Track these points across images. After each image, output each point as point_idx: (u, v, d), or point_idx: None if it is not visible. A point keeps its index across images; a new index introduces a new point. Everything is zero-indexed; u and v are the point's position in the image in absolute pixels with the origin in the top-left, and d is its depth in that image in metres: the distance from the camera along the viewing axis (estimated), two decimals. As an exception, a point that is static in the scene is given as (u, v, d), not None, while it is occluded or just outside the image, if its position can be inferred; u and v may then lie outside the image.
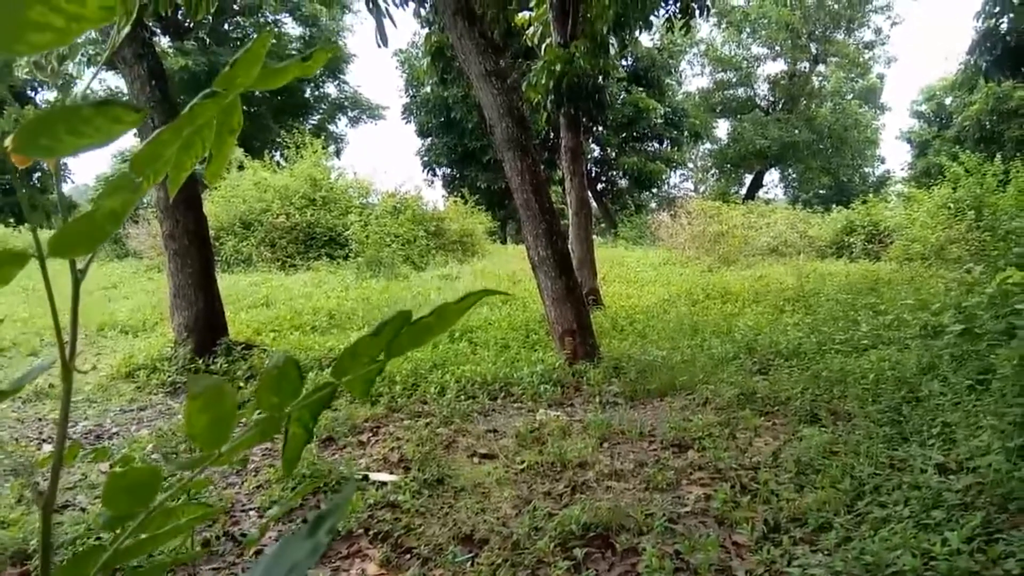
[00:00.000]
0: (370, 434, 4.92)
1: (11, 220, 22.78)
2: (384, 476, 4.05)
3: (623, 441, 4.55)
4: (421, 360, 6.42)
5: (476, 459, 4.35)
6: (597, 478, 3.89)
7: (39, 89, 29.00)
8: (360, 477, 4.05)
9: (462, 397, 5.58)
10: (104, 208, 0.39)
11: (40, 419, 5.54)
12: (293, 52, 30.66)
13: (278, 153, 25.14)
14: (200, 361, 6.40)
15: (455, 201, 20.51)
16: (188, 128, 0.47)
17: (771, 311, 8.63)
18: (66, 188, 32.39)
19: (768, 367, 6.08)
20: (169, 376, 6.28)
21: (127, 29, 0.49)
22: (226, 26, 30.17)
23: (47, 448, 4.96)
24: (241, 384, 6.12)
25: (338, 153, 33.75)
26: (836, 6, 30.87)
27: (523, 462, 4.14)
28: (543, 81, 9.14)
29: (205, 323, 6.56)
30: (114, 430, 5.28)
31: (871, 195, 18.86)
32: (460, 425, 4.94)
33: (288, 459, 0.53)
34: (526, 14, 10.58)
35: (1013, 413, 3.64)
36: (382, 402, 5.46)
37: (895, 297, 8.14)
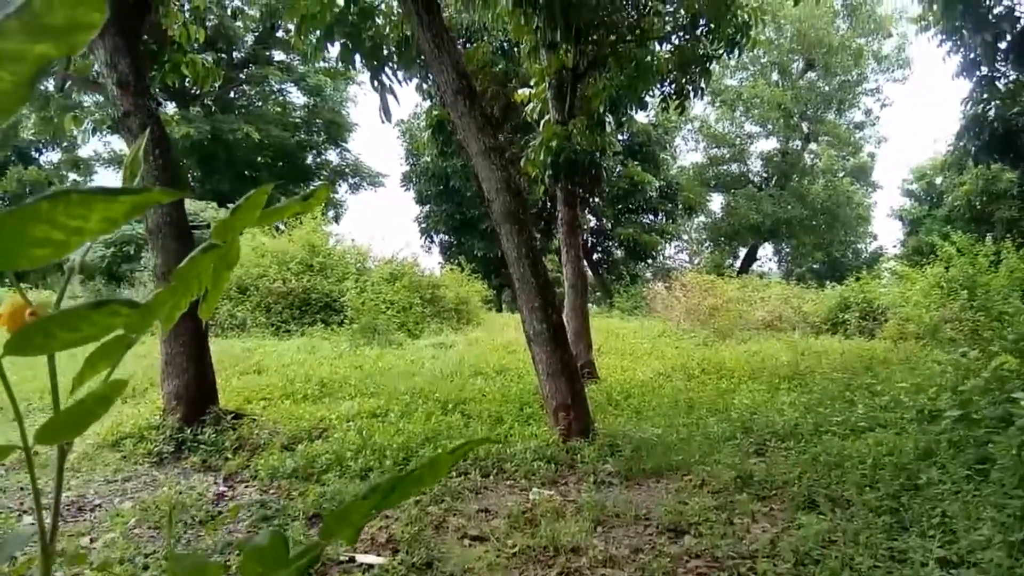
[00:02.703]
0: (358, 512, 4.80)
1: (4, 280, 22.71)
2: (371, 558, 3.93)
3: (618, 524, 4.45)
4: (413, 433, 6.34)
5: (467, 541, 4.24)
6: (591, 565, 3.79)
7: (43, 150, 29.48)
8: (346, 559, 3.93)
9: (453, 474, 5.47)
10: (94, 395, 0.38)
11: (23, 488, 5.41)
12: (297, 120, 31.32)
13: (278, 217, 25.35)
14: (188, 431, 6.29)
15: (452, 268, 20.62)
16: (184, 285, 0.47)
17: (767, 388, 8.58)
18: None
19: (765, 448, 6.01)
20: (156, 446, 6.16)
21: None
22: (232, 94, 30.87)
23: (27, 520, 4.84)
24: (229, 455, 6.02)
25: (337, 218, 34.15)
26: (827, 88, 31.81)
27: (515, 545, 4.04)
28: (541, 157, 9.31)
29: (195, 392, 6.49)
30: (97, 502, 5.15)
31: (864, 271, 19.01)
32: (451, 504, 4.83)
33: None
34: (525, 91, 10.85)
35: (1013, 506, 3.58)
36: (371, 477, 5.36)
37: (891, 377, 8.11)
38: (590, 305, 15.40)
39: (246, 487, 5.46)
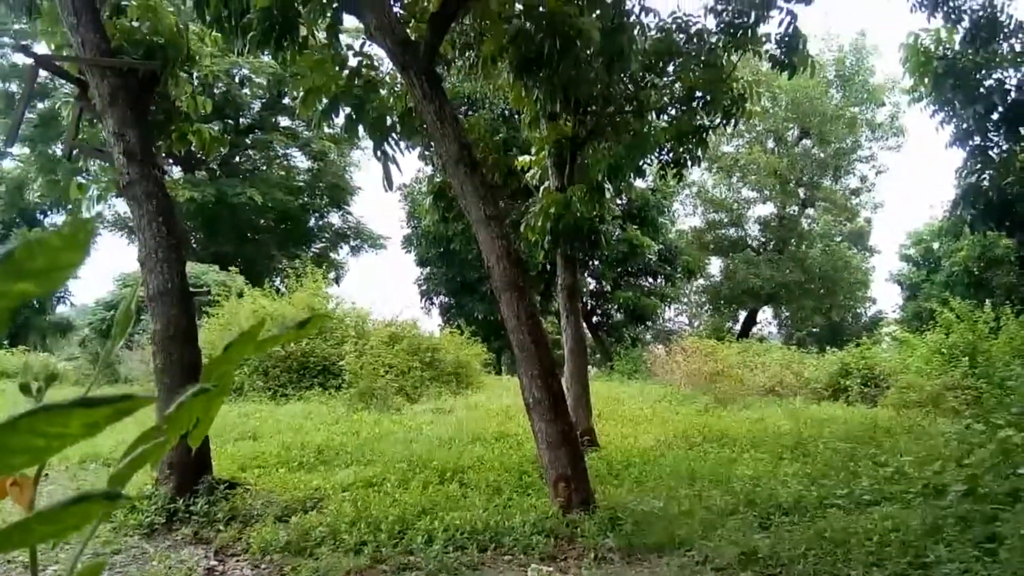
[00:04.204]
0: (352, 589, 4.68)
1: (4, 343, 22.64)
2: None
3: (618, 604, 4.33)
4: (409, 504, 6.22)
5: (463, 622, 4.11)
6: (591, 649, 3.66)
7: (48, 212, 29.81)
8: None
9: (450, 548, 5.34)
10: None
11: (8, 560, 5.27)
12: (301, 184, 31.73)
13: (279, 279, 25.48)
14: (180, 501, 6.17)
15: (451, 331, 20.58)
16: (175, 429, 0.46)
17: (770, 458, 8.45)
18: (65, 309, 32.57)
19: (769, 522, 5.87)
20: (147, 517, 6.03)
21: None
22: (237, 158, 31.35)
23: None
24: (221, 527, 5.89)
25: (338, 280, 34.22)
26: (822, 155, 32.33)
27: (512, 628, 3.91)
28: (541, 223, 9.40)
29: (189, 461, 6.38)
30: (83, 576, 5.01)
31: (864, 336, 18.98)
32: (447, 581, 4.70)
33: None
34: (526, 158, 11.03)
35: (1026, 588, 3.49)
36: (366, 552, 5.23)
37: (895, 448, 8.00)
38: (590, 368, 15.28)
39: (238, 561, 5.32)
